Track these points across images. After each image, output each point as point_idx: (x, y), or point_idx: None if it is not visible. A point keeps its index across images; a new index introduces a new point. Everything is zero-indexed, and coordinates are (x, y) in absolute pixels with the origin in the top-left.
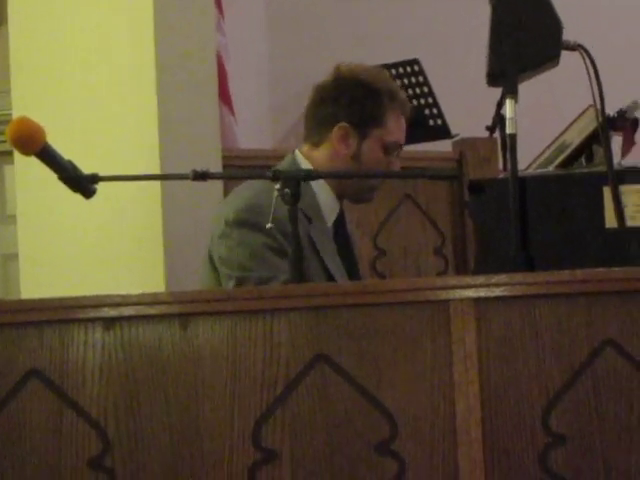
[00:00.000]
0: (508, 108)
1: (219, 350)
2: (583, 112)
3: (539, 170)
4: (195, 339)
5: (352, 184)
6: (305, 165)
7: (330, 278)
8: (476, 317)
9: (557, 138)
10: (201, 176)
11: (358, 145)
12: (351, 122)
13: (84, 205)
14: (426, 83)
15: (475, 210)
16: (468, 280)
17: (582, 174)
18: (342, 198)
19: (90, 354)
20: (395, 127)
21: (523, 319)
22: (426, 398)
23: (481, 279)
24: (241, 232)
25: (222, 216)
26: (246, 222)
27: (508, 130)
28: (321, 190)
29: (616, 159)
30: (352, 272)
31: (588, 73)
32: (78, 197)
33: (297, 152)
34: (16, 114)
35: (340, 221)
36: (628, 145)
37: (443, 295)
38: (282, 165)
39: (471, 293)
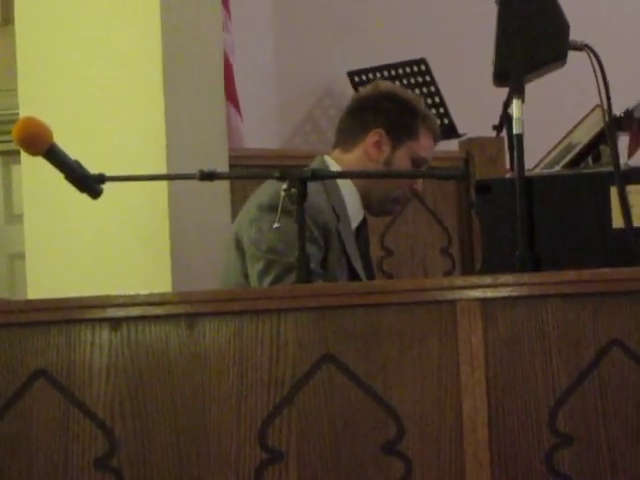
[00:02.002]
0: (515, 108)
1: (226, 350)
2: (590, 112)
3: (546, 170)
4: (202, 339)
5: (378, 191)
6: (335, 168)
7: (353, 274)
8: (483, 317)
9: (564, 138)
10: (208, 176)
11: (391, 153)
12: (387, 129)
13: (91, 205)
14: (433, 82)
15: (482, 210)
16: (475, 280)
17: (589, 174)
18: (367, 208)
19: (97, 354)
20: (426, 144)
21: (530, 319)
22: (433, 398)
23: (488, 279)
24: (273, 216)
25: (254, 202)
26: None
27: (515, 130)
28: (349, 195)
29: (623, 159)
30: (369, 278)
31: (595, 73)
32: (85, 197)
33: (326, 156)
34: (22, 114)
35: (361, 229)
36: (635, 145)
37: (450, 295)
38: (312, 167)
39: (478, 293)
